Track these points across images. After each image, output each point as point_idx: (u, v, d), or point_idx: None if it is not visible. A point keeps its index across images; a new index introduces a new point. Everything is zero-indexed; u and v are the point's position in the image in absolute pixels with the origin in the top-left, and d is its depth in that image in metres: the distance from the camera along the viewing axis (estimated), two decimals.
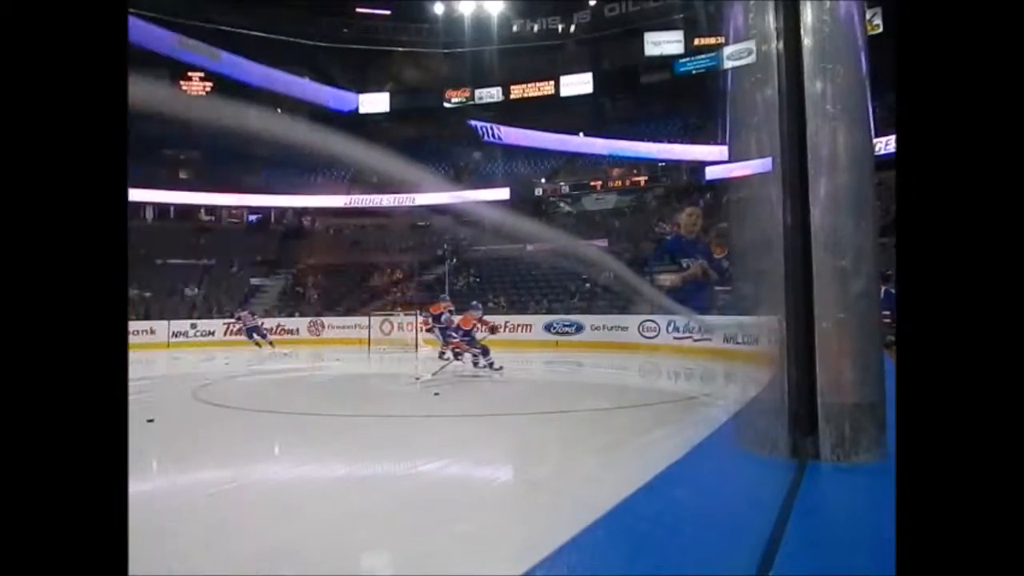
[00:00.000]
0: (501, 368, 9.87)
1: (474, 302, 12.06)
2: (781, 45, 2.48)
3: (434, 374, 9.80)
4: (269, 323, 19.63)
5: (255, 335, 16.03)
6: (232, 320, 17.36)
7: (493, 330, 10.94)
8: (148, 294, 21.00)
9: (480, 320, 10.61)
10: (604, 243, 19.48)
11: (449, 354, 12.00)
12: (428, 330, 12.98)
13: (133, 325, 16.81)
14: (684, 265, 5.15)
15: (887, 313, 3.31)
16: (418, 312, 18.02)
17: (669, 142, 25.90)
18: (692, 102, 24.84)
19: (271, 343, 16.23)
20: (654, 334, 14.57)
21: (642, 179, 26.52)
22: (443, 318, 12.21)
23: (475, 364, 10.15)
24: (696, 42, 26.61)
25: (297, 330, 19.62)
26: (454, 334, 10.47)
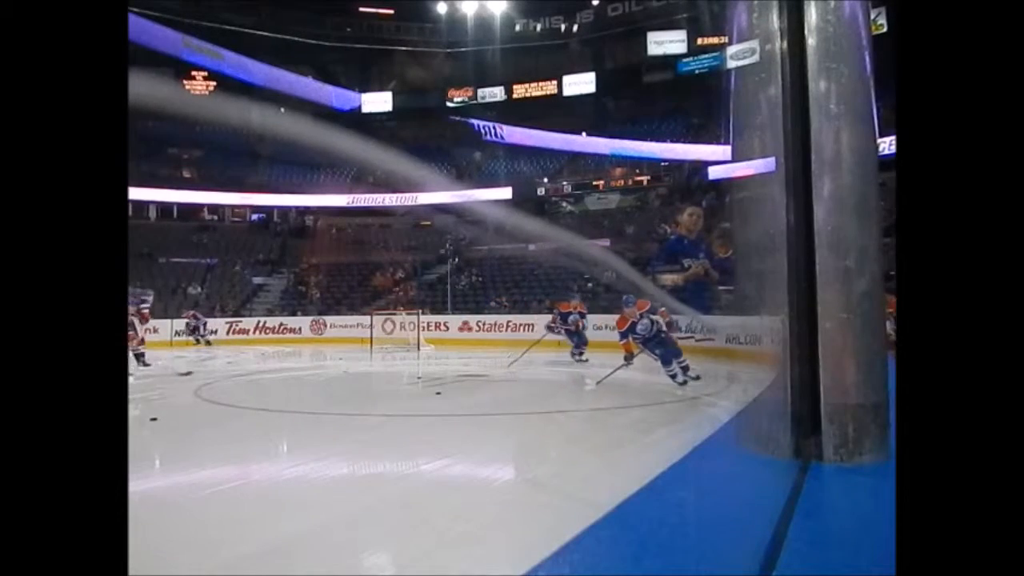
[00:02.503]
0: (699, 377, 7.94)
1: (626, 296, 8.45)
2: (785, 45, 2.48)
3: (599, 382, 8.30)
4: (271, 322, 19.95)
5: (197, 333, 17.24)
6: (189, 319, 17.83)
7: (668, 326, 8.22)
8: (151, 292, 21.06)
9: (660, 313, 8.02)
10: (607, 243, 19.43)
11: (586, 355, 11.34)
12: (551, 327, 11.91)
13: None
14: (686, 265, 5.15)
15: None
16: (419, 312, 18.05)
17: (672, 142, 25.91)
18: (695, 102, 24.86)
19: (208, 342, 17.54)
20: None
21: (645, 179, 26.51)
22: (571, 318, 11.52)
23: (684, 373, 7.90)
24: (699, 42, 26.62)
25: (299, 329, 19.66)
26: (623, 336, 8.23)
